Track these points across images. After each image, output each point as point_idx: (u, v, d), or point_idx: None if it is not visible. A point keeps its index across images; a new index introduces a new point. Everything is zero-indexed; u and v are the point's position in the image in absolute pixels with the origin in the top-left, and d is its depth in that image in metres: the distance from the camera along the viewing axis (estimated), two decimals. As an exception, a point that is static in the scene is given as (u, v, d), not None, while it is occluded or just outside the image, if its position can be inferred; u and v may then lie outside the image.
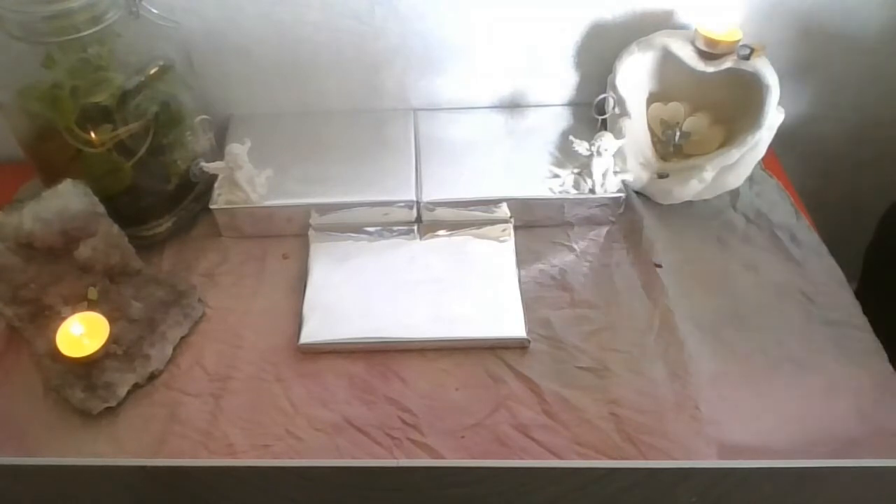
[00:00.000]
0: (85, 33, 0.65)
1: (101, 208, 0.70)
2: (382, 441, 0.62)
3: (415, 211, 0.78)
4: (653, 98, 0.83)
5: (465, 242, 0.76)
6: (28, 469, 0.61)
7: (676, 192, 0.79)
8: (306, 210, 0.77)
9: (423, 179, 0.79)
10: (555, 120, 0.87)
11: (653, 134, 0.83)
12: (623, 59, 0.79)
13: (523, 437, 0.62)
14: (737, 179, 0.79)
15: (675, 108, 0.82)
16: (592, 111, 0.80)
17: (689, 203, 0.80)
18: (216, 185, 0.77)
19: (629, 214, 0.79)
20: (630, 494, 0.58)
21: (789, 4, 0.81)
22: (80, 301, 0.69)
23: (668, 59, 0.78)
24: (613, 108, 0.80)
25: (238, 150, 0.73)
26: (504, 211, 0.78)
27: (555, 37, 0.83)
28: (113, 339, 0.66)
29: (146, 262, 0.74)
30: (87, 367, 0.65)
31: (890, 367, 0.67)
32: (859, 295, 0.73)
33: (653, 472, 0.60)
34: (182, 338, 0.70)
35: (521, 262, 0.75)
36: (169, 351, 0.68)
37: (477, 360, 0.68)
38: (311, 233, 0.77)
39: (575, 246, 0.78)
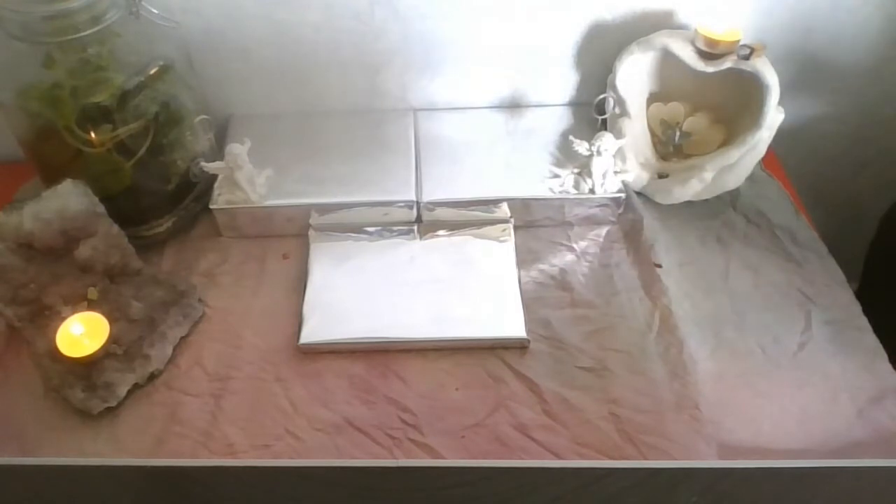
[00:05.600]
0: (85, 33, 0.65)
1: (101, 208, 0.70)
2: (382, 441, 0.62)
3: (415, 211, 0.78)
4: (653, 98, 0.83)
5: (465, 242, 0.76)
6: (28, 469, 0.60)
7: (676, 192, 0.79)
8: (306, 210, 0.77)
9: (423, 179, 0.79)
10: (555, 120, 0.87)
11: (653, 134, 0.83)
12: (623, 59, 0.79)
13: (523, 437, 0.62)
14: (737, 179, 0.79)
15: (675, 108, 0.82)
16: (592, 111, 0.80)
17: (689, 203, 0.80)
18: (216, 185, 0.77)
19: (629, 214, 0.79)
20: (630, 494, 0.58)
21: (789, 4, 0.81)
22: (80, 301, 0.69)
23: (668, 59, 0.78)
24: (613, 108, 0.80)
25: (238, 150, 0.73)
26: (504, 211, 0.78)
27: (555, 37, 0.83)
28: (113, 339, 0.66)
29: (146, 262, 0.74)
30: (87, 367, 0.65)
31: (890, 367, 0.67)
32: (860, 295, 0.73)
33: (653, 472, 0.60)
34: (182, 338, 0.70)
35: (521, 262, 0.75)
36: (169, 351, 0.68)
37: (477, 360, 0.68)
38: (311, 233, 0.77)
39: (575, 246, 0.78)
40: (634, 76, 0.80)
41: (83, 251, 0.69)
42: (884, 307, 0.74)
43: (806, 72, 0.88)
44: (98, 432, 0.63)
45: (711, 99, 0.81)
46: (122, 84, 0.68)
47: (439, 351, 0.68)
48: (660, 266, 0.74)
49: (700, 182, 0.78)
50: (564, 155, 0.81)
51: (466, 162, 0.81)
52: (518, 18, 0.81)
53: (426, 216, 0.78)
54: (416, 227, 0.78)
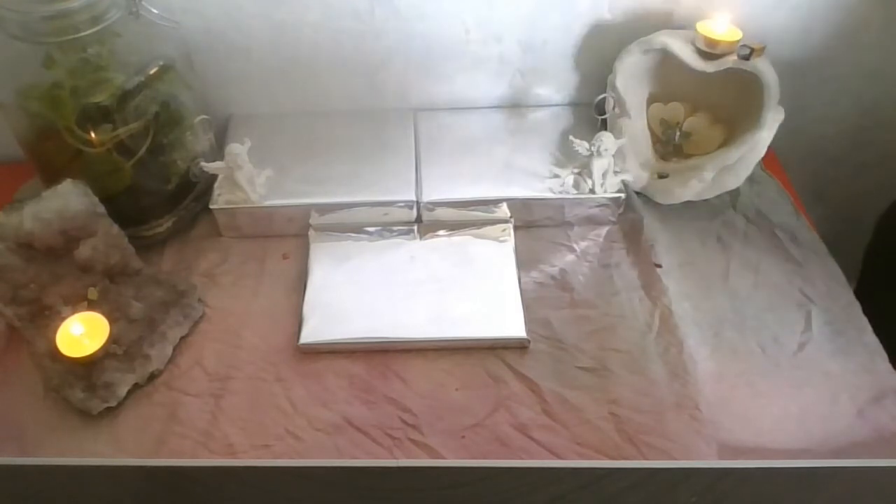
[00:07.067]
0: (85, 33, 0.65)
1: (101, 208, 0.70)
2: (382, 441, 0.62)
3: (415, 211, 0.78)
4: (653, 98, 0.83)
5: (465, 242, 0.76)
6: (28, 469, 0.60)
7: (676, 192, 0.79)
8: (306, 210, 0.77)
9: (423, 179, 0.79)
10: (555, 120, 0.87)
11: (653, 134, 0.83)
12: (623, 59, 0.79)
13: (523, 437, 0.62)
14: (737, 179, 0.79)
15: (675, 108, 0.82)
16: (592, 111, 0.80)
17: (689, 203, 0.80)
18: (216, 185, 0.77)
19: (629, 214, 0.79)
20: (630, 494, 0.58)
21: (789, 4, 0.81)
22: (80, 301, 0.69)
23: (668, 59, 0.78)
24: (613, 108, 0.80)
25: (238, 150, 0.73)
26: (504, 211, 0.78)
27: (555, 37, 0.83)
28: (113, 339, 0.66)
29: (146, 262, 0.74)
30: (87, 367, 0.65)
31: (890, 367, 0.67)
32: (858, 294, 0.73)
33: (653, 472, 0.60)
34: (182, 338, 0.70)
35: (521, 262, 0.75)
36: (169, 351, 0.68)
37: (477, 360, 0.68)
38: (311, 233, 0.77)
39: (575, 246, 0.78)
40: (634, 76, 0.80)
41: (83, 251, 0.69)
42: (883, 307, 0.74)
43: (806, 72, 0.88)
44: (98, 432, 0.63)
45: (711, 99, 0.81)
46: (122, 84, 0.68)
47: (439, 351, 0.68)
48: (660, 266, 0.74)
49: (700, 182, 0.78)
50: (564, 155, 0.81)
51: (466, 162, 0.81)
52: (518, 18, 0.81)
53: (426, 216, 0.78)
54: (416, 227, 0.78)
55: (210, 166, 0.75)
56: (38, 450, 0.62)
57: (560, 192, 0.77)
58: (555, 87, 0.88)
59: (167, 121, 0.73)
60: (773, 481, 0.59)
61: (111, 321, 0.67)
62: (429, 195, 0.77)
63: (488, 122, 0.87)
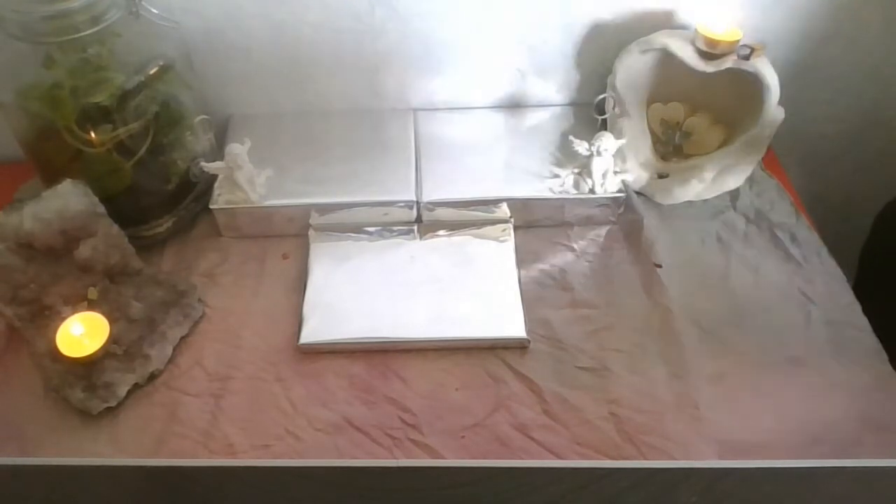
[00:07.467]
0: (85, 33, 0.65)
1: (101, 208, 0.70)
2: (382, 441, 0.62)
3: (415, 211, 0.78)
4: (653, 98, 0.83)
5: (465, 242, 0.76)
6: (28, 469, 0.61)
7: (676, 192, 0.79)
8: (306, 210, 0.77)
9: (423, 179, 0.79)
10: (555, 120, 0.87)
11: (653, 134, 0.83)
12: (623, 59, 0.79)
13: (523, 437, 0.62)
14: (737, 179, 0.79)
15: (675, 108, 0.82)
16: (592, 111, 0.80)
17: (689, 203, 0.80)
18: (216, 185, 0.77)
19: (629, 214, 0.79)
20: (630, 494, 0.58)
21: (789, 4, 0.81)
22: (80, 301, 0.69)
23: (668, 59, 0.78)
24: (613, 108, 0.80)
25: (238, 150, 0.73)
26: (504, 211, 0.78)
27: (555, 37, 0.83)
28: (113, 339, 0.66)
29: (146, 262, 0.74)
30: (87, 367, 0.65)
31: (890, 368, 0.67)
32: (857, 294, 0.73)
33: (653, 472, 0.60)
34: (182, 338, 0.70)
35: (521, 262, 0.75)
36: (169, 351, 0.68)
37: (477, 360, 0.68)
38: (311, 233, 0.77)
39: (575, 246, 0.78)
40: (634, 76, 0.80)
41: (83, 251, 0.69)
42: (879, 306, 0.74)
43: (806, 72, 0.88)
44: (98, 432, 0.63)
45: (711, 99, 0.81)
46: (122, 84, 0.68)
47: (439, 351, 0.68)
48: (660, 266, 0.74)
49: (700, 182, 0.78)
50: (564, 155, 0.81)
51: (466, 162, 0.81)
52: (518, 18, 0.81)
53: (426, 216, 0.78)
54: (416, 227, 0.78)
55: (210, 166, 0.75)
56: (38, 450, 0.62)
57: (560, 192, 0.77)
58: (555, 87, 0.88)
59: (167, 121, 0.73)
60: (773, 481, 0.59)
61: (111, 321, 0.67)
62: (429, 195, 0.77)
63: (488, 122, 0.87)
